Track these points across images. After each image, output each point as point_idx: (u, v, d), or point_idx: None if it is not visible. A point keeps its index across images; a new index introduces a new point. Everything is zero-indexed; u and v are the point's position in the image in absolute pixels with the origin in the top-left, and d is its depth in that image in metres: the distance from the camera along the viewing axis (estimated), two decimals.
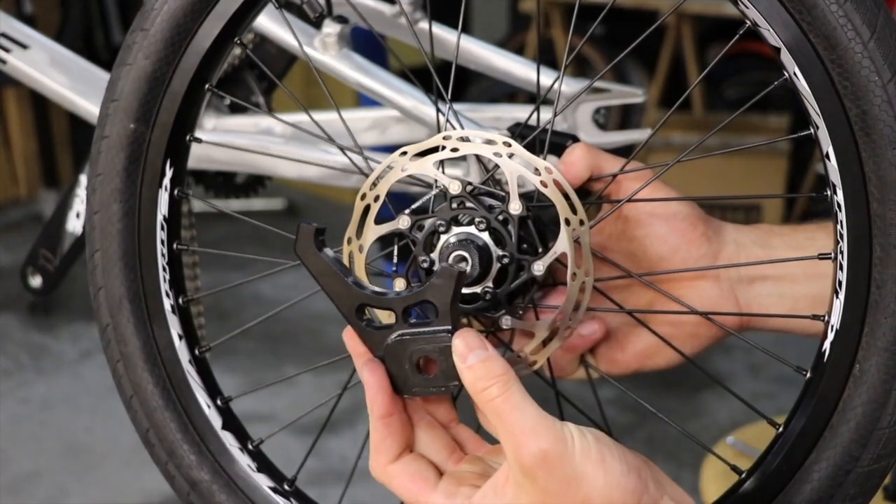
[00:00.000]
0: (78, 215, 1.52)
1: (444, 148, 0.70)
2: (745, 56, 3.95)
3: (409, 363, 0.67)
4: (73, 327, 3.26)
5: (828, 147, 0.64)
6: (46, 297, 1.57)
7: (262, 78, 1.24)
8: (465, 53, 1.17)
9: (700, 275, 0.79)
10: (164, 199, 0.80)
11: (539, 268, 0.70)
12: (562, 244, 0.69)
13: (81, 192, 1.51)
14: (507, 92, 3.81)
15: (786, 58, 0.64)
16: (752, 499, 0.69)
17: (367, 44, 1.26)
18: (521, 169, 0.69)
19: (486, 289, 0.71)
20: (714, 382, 2.91)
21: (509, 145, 0.69)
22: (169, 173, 0.79)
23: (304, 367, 3.00)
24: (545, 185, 0.69)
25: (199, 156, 1.17)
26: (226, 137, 1.16)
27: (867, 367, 0.64)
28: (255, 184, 1.32)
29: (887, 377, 0.64)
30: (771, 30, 0.64)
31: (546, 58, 2.07)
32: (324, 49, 1.07)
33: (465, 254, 0.69)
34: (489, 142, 0.70)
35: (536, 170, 0.69)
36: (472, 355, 0.64)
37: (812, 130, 0.65)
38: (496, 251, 0.70)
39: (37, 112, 4.16)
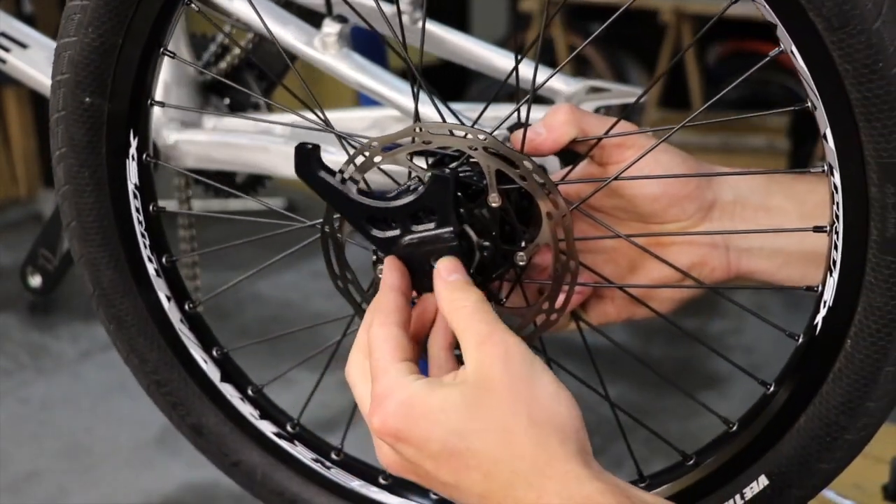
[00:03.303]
0: None
1: (415, 140, 0.69)
2: (745, 56, 3.95)
3: (421, 264, 0.70)
4: (73, 327, 3.26)
5: (825, 128, 0.61)
6: (46, 296, 1.57)
7: (262, 77, 1.25)
8: (464, 52, 1.18)
9: (692, 223, 0.76)
10: (132, 168, 0.79)
11: (522, 258, 0.70)
12: (544, 237, 0.69)
13: None
14: (506, 92, 3.80)
15: (782, 34, 0.60)
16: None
17: (368, 43, 1.26)
18: (499, 162, 0.67)
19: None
20: (711, 381, 2.92)
21: (485, 138, 0.67)
22: (134, 143, 0.78)
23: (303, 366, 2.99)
24: (524, 179, 0.67)
25: (200, 155, 1.17)
26: (225, 137, 1.16)
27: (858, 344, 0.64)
28: (255, 183, 1.32)
29: (879, 357, 0.63)
30: (766, 6, 0.60)
31: (546, 57, 2.07)
32: (323, 48, 1.07)
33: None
34: (465, 133, 0.68)
35: (513, 163, 0.67)
36: (455, 275, 0.67)
37: (809, 104, 0.62)
38: (477, 241, 0.70)
39: (37, 112, 4.16)
